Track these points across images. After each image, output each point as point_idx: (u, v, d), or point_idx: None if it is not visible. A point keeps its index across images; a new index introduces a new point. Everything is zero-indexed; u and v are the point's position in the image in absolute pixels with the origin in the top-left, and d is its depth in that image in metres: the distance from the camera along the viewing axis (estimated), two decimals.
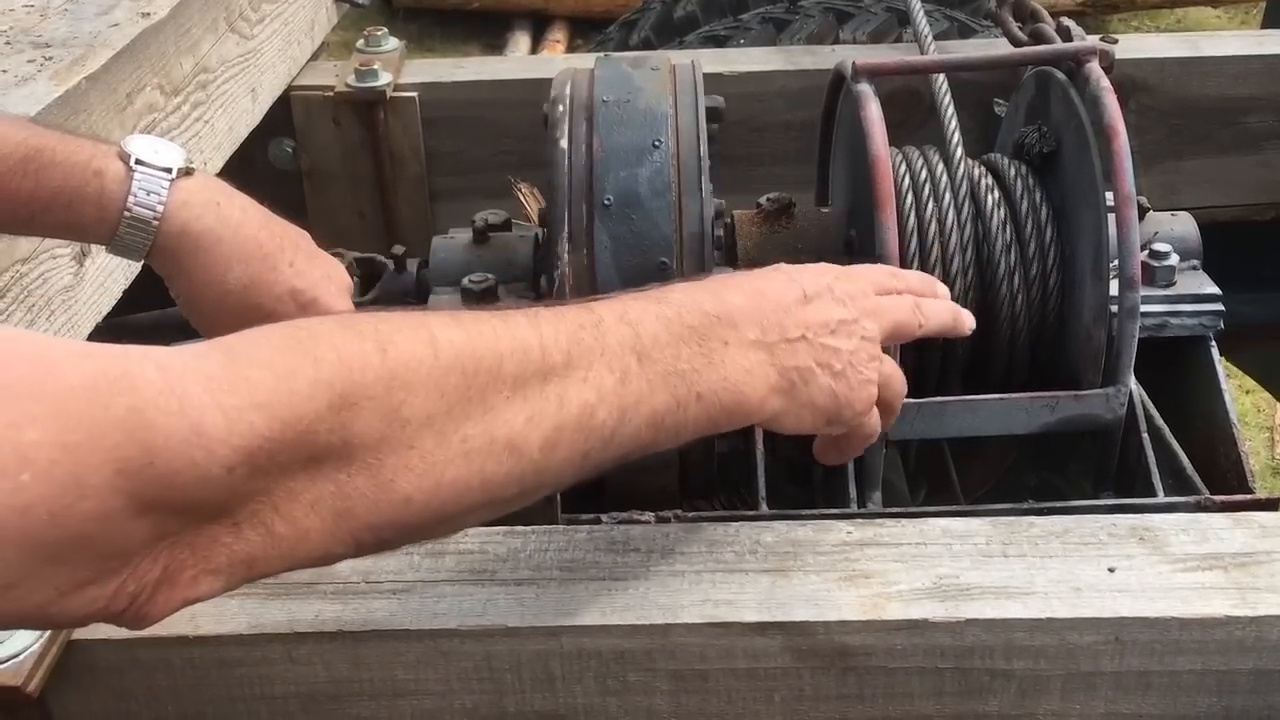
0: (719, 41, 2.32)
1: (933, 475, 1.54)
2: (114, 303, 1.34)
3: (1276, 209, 1.93)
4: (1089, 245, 1.28)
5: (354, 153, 1.91)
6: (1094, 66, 1.29)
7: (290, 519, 0.66)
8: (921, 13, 1.70)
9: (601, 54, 1.48)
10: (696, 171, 1.22)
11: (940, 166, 1.36)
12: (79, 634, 0.92)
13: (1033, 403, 1.27)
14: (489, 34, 6.10)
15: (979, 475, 1.55)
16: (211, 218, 1.03)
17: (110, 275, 1.33)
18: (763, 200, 1.41)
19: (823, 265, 0.98)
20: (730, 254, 1.39)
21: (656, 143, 1.22)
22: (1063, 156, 1.35)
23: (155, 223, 1.00)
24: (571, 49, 5.77)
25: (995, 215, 1.33)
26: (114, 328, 1.39)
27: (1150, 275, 1.35)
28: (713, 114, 1.29)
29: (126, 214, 0.99)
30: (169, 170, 1.00)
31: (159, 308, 1.72)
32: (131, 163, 0.99)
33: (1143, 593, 0.94)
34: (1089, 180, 1.27)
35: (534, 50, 5.81)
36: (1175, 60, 1.85)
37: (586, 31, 5.76)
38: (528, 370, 0.74)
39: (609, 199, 1.21)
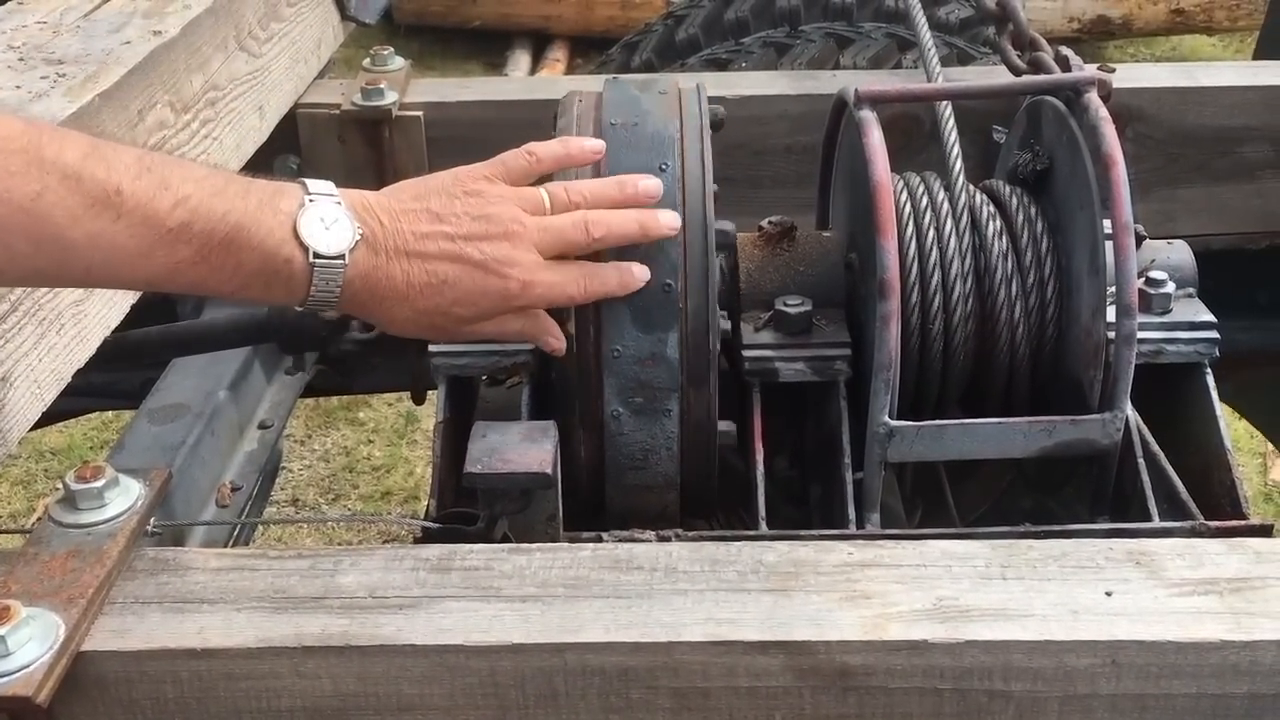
0: (720, 65, 2.34)
1: (928, 497, 1.55)
2: (122, 317, 1.35)
3: (1270, 238, 1.95)
4: (1084, 245, 1.29)
5: (359, 171, 1.91)
6: (1093, 96, 1.31)
7: None
8: (930, 40, 1.71)
9: (609, 76, 1.49)
10: (702, 195, 1.24)
11: (941, 193, 1.38)
12: (88, 646, 0.93)
13: (1030, 426, 1.29)
14: (490, 52, 6.13)
15: (974, 498, 1.56)
16: (377, 284, 1.11)
17: (119, 291, 1.34)
18: (764, 223, 1.42)
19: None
20: (733, 276, 1.41)
21: (663, 166, 1.23)
22: (1056, 170, 1.37)
23: (334, 306, 1.09)
24: (571, 68, 5.81)
25: (996, 244, 1.35)
26: (116, 343, 1.40)
27: (1147, 302, 1.36)
28: (713, 124, 1.31)
29: (310, 300, 1.08)
30: (341, 258, 1.07)
31: (159, 324, 1.75)
32: (310, 258, 1.05)
33: (1139, 616, 0.95)
34: (1082, 184, 1.28)
35: (534, 69, 5.84)
36: (1172, 90, 1.87)
37: (586, 50, 5.79)
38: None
39: None
